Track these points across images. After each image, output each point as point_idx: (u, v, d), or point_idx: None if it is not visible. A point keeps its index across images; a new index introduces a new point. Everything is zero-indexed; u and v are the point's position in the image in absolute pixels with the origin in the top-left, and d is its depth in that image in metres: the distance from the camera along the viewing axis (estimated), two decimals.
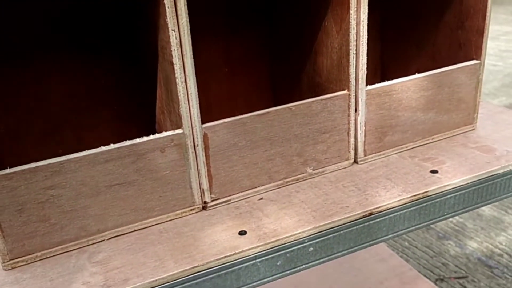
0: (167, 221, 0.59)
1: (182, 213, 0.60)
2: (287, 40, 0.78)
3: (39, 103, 0.71)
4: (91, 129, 0.75)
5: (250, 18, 0.82)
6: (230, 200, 0.62)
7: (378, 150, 0.70)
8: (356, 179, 0.65)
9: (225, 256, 0.52)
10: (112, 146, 0.53)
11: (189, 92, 0.55)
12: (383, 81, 0.66)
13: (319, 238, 0.56)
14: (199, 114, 0.56)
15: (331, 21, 0.64)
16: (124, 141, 0.54)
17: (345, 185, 0.64)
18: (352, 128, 0.67)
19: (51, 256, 0.54)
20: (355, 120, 0.66)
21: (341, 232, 0.58)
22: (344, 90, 0.65)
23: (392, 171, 0.66)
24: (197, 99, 0.56)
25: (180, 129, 0.56)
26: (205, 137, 0.58)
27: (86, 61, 0.71)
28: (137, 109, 0.75)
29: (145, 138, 0.55)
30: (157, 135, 0.55)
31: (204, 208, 0.61)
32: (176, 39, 0.52)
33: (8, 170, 0.50)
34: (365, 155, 0.69)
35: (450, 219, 1.71)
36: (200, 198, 0.60)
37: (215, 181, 0.60)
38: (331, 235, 0.57)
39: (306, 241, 0.56)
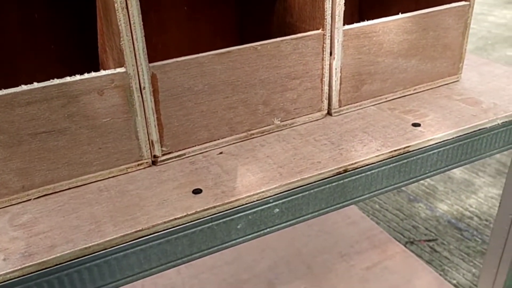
0: (109, 177, 0.50)
1: (128, 168, 0.51)
2: None
3: None
4: (25, 74, 0.65)
5: None
6: (184, 154, 0.54)
7: (355, 101, 0.62)
8: (329, 132, 0.57)
9: (176, 218, 0.44)
10: (35, 85, 0.43)
11: (131, 21, 0.45)
12: None
13: (286, 198, 0.49)
14: (144, 49, 0.47)
15: None
16: (51, 80, 0.44)
17: (317, 138, 0.56)
18: (326, 75, 0.58)
19: None
20: (330, 64, 0.58)
21: (312, 191, 0.50)
22: (318, 29, 0.56)
23: (369, 123, 0.59)
24: (142, 29, 0.46)
25: (123, 68, 0.47)
26: (153, 78, 0.48)
27: None
28: (78, 49, 0.65)
29: (77, 77, 0.45)
30: (92, 74, 0.46)
31: (154, 163, 0.53)
32: None
33: None
34: (339, 106, 0.61)
35: (421, 181, 1.67)
36: (149, 151, 0.51)
37: (167, 131, 0.51)
38: (300, 195, 0.50)
39: (271, 201, 0.48)
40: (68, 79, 0.45)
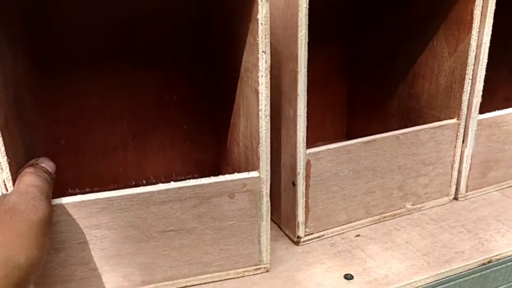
0: (225, 279, 0.49)
1: (245, 272, 0.50)
2: (374, 58, 0.71)
3: (102, 118, 0.63)
4: (155, 149, 0.68)
5: (331, 33, 0.76)
6: (324, 235, 0.55)
7: (480, 186, 0.63)
8: (461, 219, 0.58)
9: None
10: (172, 185, 0.44)
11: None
12: None
13: (434, 287, 0.49)
14: (305, 138, 0.49)
15: (443, 42, 0.58)
16: (187, 180, 0.45)
17: (451, 225, 0.57)
18: (457, 161, 0.60)
19: None
20: (461, 152, 0.59)
21: (457, 281, 0.50)
22: (453, 118, 0.58)
23: (499, 211, 0.59)
24: (305, 121, 0.49)
25: (256, 172, 0.46)
26: (307, 164, 0.51)
27: (154, 75, 0.63)
28: (208, 130, 0.68)
29: (212, 179, 0.45)
30: (227, 177, 0.45)
31: (296, 243, 0.54)
32: (266, 63, 0.42)
33: None
34: (466, 191, 0.62)
35: None
36: (267, 257, 0.50)
37: (312, 213, 0.53)
38: (446, 285, 0.50)
39: None
40: (203, 181, 0.45)
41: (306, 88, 0.48)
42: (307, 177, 0.51)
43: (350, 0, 0.73)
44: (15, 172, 0.40)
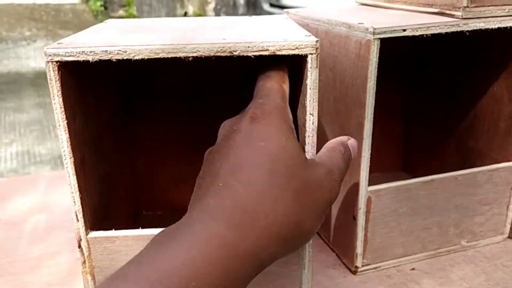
0: None
1: None
2: (432, 98, 0.74)
3: (175, 143, 0.69)
4: None
5: (388, 73, 0.79)
6: (380, 266, 0.59)
7: None
8: None
9: None
10: None
11: None
12: None
13: None
14: (367, 177, 0.54)
15: (503, 89, 0.61)
16: None
17: (505, 264, 0.59)
18: None
19: None
20: None
21: None
22: (510, 161, 0.60)
23: None
24: (368, 163, 0.53)
25: None
26: (368, 200, 0.55)
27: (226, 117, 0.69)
28: None
29: None
30: None
31: (354, 272, 0.58)
32: (313, 124, 0.43)
33: (111, 233, 0.45)
34: None
35: None
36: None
37: (370, 246, 0.57)
38: None
39: None
40: None
41: (371, 132, 0.52)
42: (368, 212, 0.55)
43: (408, 45, 0.76)
44: (87, 204, 0.45)
